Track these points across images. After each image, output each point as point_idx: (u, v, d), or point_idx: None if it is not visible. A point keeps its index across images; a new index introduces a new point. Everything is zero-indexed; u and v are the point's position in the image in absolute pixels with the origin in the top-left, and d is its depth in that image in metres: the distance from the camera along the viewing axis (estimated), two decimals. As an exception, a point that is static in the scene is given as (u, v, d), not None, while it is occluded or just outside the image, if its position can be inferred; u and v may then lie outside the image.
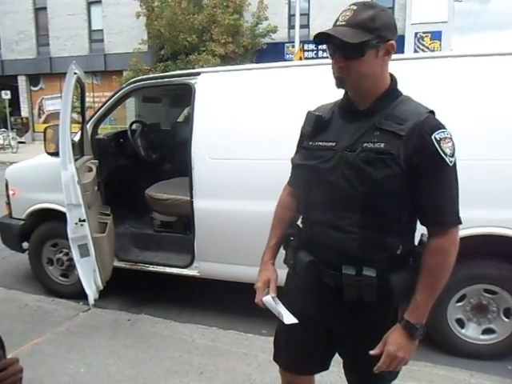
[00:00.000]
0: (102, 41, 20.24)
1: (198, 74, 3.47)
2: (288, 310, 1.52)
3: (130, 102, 13.04)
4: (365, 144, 1.34)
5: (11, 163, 12.07)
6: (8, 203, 4.20)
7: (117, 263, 3.77)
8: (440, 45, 15.49)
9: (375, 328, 1.44)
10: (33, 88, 22.39)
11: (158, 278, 3.95)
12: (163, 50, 16.89)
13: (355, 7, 1.31)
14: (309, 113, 1.53)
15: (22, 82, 22.14)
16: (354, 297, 1.39)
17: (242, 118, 3.21)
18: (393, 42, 1.34)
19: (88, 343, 3.09)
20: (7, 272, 4.72)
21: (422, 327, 1.37)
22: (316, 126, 1.47)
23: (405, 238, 1.41)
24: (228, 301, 3.74)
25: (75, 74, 3.22)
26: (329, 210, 1.41)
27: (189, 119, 3.56)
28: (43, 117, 22.40)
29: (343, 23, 1.31)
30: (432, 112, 1.37)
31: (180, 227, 3.92)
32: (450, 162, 1.30)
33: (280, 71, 3.33)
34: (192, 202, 3.38)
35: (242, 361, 2.86)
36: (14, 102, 20.99)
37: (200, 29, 15.80)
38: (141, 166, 4.70)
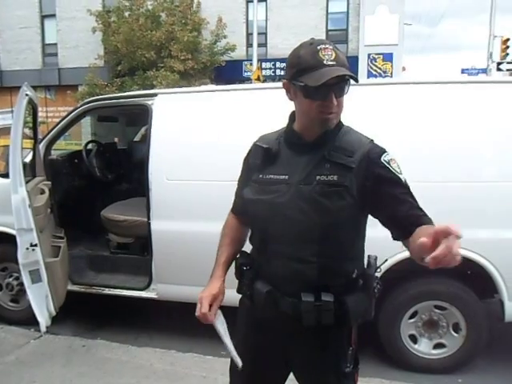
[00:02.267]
0: (56, 55, 19.76)
1: (155, 95, 3.46)
2: (244, 343, 1.56)
3: (86, 119, 12.78)
4: (318, 177, 1.36)
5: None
6: (-46, 226, 4.00)
7: (71, 287, 3.66)
8: (392, 66, 16.17)
9: (331, 350, 1.48)
10: (-19, 102, 21.53)
11: (114, 302, 3.85)
12: (120, 65, 16.69)
13: (331, 46, 1.33)
14: (255, 145, 1.54)
15: (-31, 96, 21.27)
16: (312, 322, 1.41)
17: (199, 139, 3.22)
18: None
19: (40, 372, 2.98)
20: (-49, 298, 4.47)
21: None
22: (265, 158, 1.47)
23: (359, 262, 1.48)
24: (187, 323, 3.66)
25: (27, 95, 3.14)
26: (288, 243, 1.42)
27: (145, 139, 3.54)
28: (-7, 132, 21.53)
29: (333, 63, 1.31)
30: (372, 141, 1.44)
31: (137, 249, 3.86)
32: (403, 178, 1.38)
33: (237, 93, 3.39)
34: (149, 224, 3.35)
35: (201, 384, 2.83)
36: (-39, 117, 20.08)
37: (158, 45, 15.75)
38: (96, 186, 4.62)
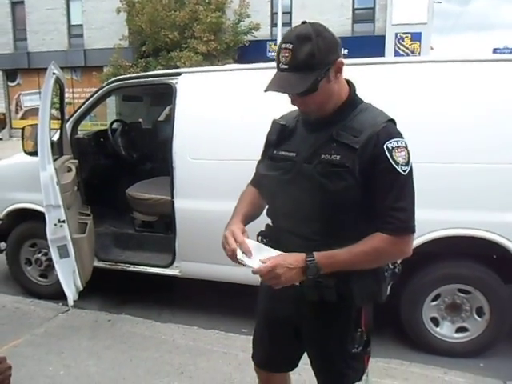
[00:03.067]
0: (81, 36, 19.94)
1: (179, 74, 3.47)
2: (264, 317, 1.58)
3: (111, 99, 12.91)
4: (322, 156, 1.36)
5: (-12, 161, 11.84)
6: (-15, 203, 4.13)
7: (97, 263, 3.75)
8: (420, 46, 15.73)
9: (337, 328, 1.49)
10: (10, 83, 21.93)
11: (138, 278, 3.93)
12: (144, 46, 16.73)
13: (291, 45, 1.28)
14: (274, 121, 1.55)
15: (-2, 77, 21.70)
16: (315, 297, 1.42)
17: (223, 118, 3.22)
18: (339, 59, 1.33)
19: (67, 345, 3.07)
20: (-17, 273, 4.65)
21: (315, 271, 1.32)
22: (280, 135, 1.49)
23: None
24: (209, 300, 3.75)
25: (54, 74, 3.18)
26: (291, 219, 1.45)
27: (170, 119, 3.56)
28: (21, 113, 21.97)
29: (286, 67, 1.29)
30: (392, 120, 1.39)
31: (161, 227, 3.92)
32: (403, 171, 1.31)
33: (261, 72, 3.35)
34: (173, 202, 3.39)
35: (223, 360, 2.88)
36: (-10, 98, 20.57)
37: (182, 26, 15.70)
38: (121, 165, 4.67)
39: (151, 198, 3.84)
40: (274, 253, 1.39)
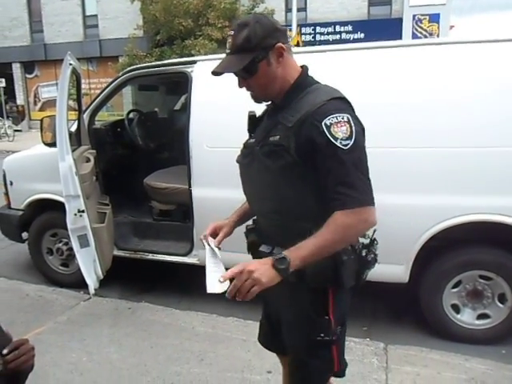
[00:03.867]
0: (96, 26, 20.01)
1: (195, 62, 3.45)
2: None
3: (127, 89, 12.95)
4: (270, 138, 1.43)
5: (8, 152, 12.10)
6: (6, 194, 4.20)
7: (116, 252, 3.80)
8: (438, 27, 15.36)
9: (298, 312, 1.52)
10: (28, 75, 22.18)
11: (157, 267, 3.97)
12: (159, 35, 16.69)
13: (233, 32, 1.41)
14: (248, 113, 1.64)
15: (16, 70, 21.93)
16: None
17: (239, 106, 3.18)
18: (279, 44, 1.40)
19: (89, 332, 3.13)
20: (7, 262, 4.75)
21: (286, 265, 1.29)
22: (250, 124, 1.60)
23: (316, 221, 1.36)
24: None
25: (70, 64, 3.19)
26: (254, 201, 1.59)
27: (186, 107, 3.55)
28: (39, 104, 22.24)
29: (228, 51, 1.43)
30: (338, 98, 1.38)
31: (179, 216, 3.94)
32: (344, 145, 1.30)
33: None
34: (190, 191, 3.39)
35: (242, 347, 2.90)
36: (9, 90, 20.81)
37: (196, 13, 15.59)
38: (139, 154, 4.70)
39: (168, 187, 3.86)
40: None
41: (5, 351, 1.32)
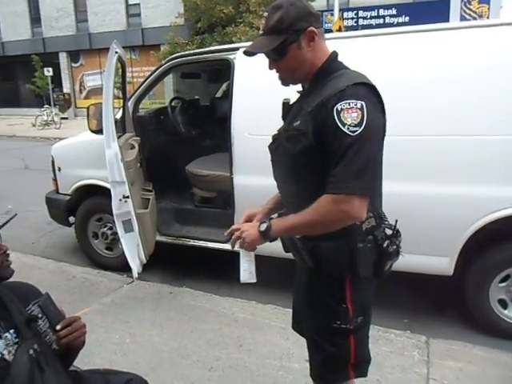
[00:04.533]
0: (139, 15, 20.30)
1: (237, 49, 3.43)
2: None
3: (168, 77, 13.10)
4: (293, 124, 1.46)
5: (55, 139, 12.56)
6: (54, 179, 4.36)
7: (159, 237, 3.88)
8: (488, 9, 14.61)
9: (316, 297, 1.56)
10: (73, 64, 22.85)
11: (198, 252, 4.02)
12: (200, 22, 16.74)
13: (266, 13, 1.44)
14: (283, 100, 1.65)
15: (63, 59, 22.64)
16: (298, 259, 1.58)
17: (280, 94, 3.15)
18: (311, 28, 1.40)
19: (132, 314, 3.22)
20: (55, 245, 4.95)
21: (267, 228, 1.48)
22: (283, 111, 1.61)
23: None
24: (267, 275, 3.77)
25: (116, 53, 3.25)
26: (279, 184, 1.63)
27: (227, 95, 3.55)
28: (84, 92, 22.90)
29: (261, 32, 1.46)
30: (360, 84, 1.35)
31: (220, 203, 3.97)
32: (352, 132, 1.29)
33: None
34: (232, 178, 3.41)
35: (281, 335, 2.91)
36: (56, 79, 21.51)
37: (236, 0, 15.52)
38: (181, 142, 4.75)
39: (210, 174, 3.89)
40: None
41: (58, 327, 1.38)
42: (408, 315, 3.27)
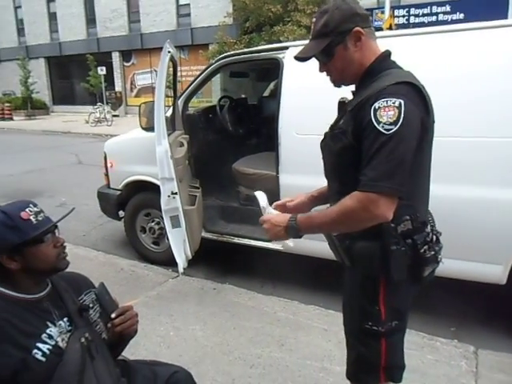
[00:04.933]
0: (188, 15, 20.65)
1: (287, 48, 3.43)
2: None
3: (216, 76, 13.26)
4: (339, 122, 1.48)
5: (107, 136, 13.01)
6: (106, 174, 4.52)
7: (204, 234, 3.93)
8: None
9: (351, 296, 1.59)
10: (125, 63, 23.58)
11: (242, 250, 4.05)
12: (248, 22, 16.83)
13: (314, 19, 1.49)
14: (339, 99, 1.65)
15: (115, 58, 23.41)
16: (337, 257, 1.59)
17: (329, 93, 3.12)
18: (357, 28, 1.41)
19: (177, 308, 3.28)
20: (105, 238, 5.13)
21: (295, 229, 1.45)
22: (339, 110, 1.59)
23: None
24: (310, 276, 3.77)
25: (169, 52, 3.32)
26: (328, 181, 1.63)
27: (275, 94, 3.55)
28: (135, 91, 23.59)
29: (311, 37, 1.51)
30: (403, 83, 1.33)
31: (265, 201, 3.96)
32: (386, 130, 1.27)
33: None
34: (278, 178, 3.41)
35: (322, 336, 2.89)
36: (109, 78, 22.27)
37: (285, -1, 15.50)
38: (228, 140, 4.79)
39: (256, 172, 3.90)
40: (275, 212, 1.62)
41: (113, 315, 1.43)
42: (455, 323, 3.16)
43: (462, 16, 14.92)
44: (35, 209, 1.39)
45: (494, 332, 3.02)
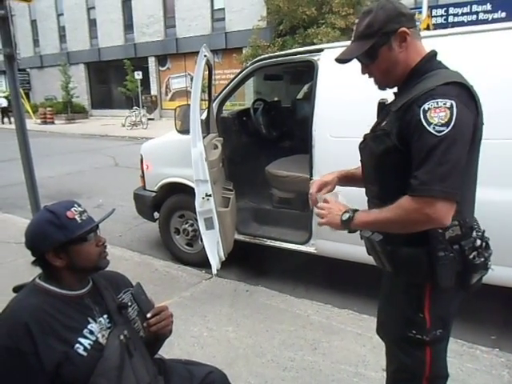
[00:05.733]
0: (223, 19, 20.85)
1: (322, 50, 3.41)
2: None
3: (249, 80, 13.32)
4: (381, 124, 1.44)
5: (142, 138, 13.28)
6: (142, 176, 4.61)
7: (237, 236, 3.95)
8: None
9: (394, 303, 1.55)
10: (161, 68, 24.03)
11: (274, 252, 4.05)
12: (282, 25, 16.85)
13: (357, 20, 1.46)
14: (379, 100, 1.62)
15: (151, 63, 23.90)
16: (378, 263, 1.56)
17: (365, 95, 3.09)
18: (402, 29, 1.38)
19: (210, 309, 3.31)
20: (140, 238, 5.23)
21: (349, 220, 1.43)
22: (378, 110, 1.58)
23: None
24: (343, 280, 3.73)
25: (205, 56, 3.36)
26: (366, 185, 1.61)
27: (309, 96, 3.54)
28: (169, 95, 23.99)
29: (353, 39, 1.47)
30: (452, 83, 1.29)
31: (298, 204, 3.96)
32: (437, 131, 1.23)
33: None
34: (311, 180, 3.38)
35: (356, 341, 2.85)
36: (145, 82, 22.77)
37: (319, 1, 15.43)
38: (262, 143, 4.81)
39: (289, 175, 3.90)
40: (336, 197, 1.61)
41: (149, 315, 1.46)
42: (496, 332, 3.05)
43: (503, 15, 14.44)
44: (80, 208, 1.44)
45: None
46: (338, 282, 3.72)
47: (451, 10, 15.07)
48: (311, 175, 3.38)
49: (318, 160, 3.32)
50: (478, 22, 14.44)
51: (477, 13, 14.96)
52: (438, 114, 1.24)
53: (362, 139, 1.59)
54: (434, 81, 1.32)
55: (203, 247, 3.65)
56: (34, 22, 29.38)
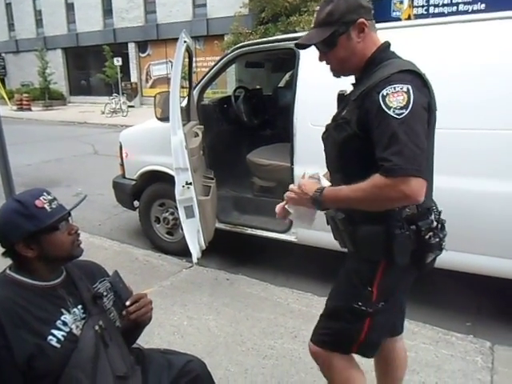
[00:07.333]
0: (204, 6, 20.58)
1: (303, 38, 3.38)
2: None
3: (231, 67, 13.21)
4: (342, 113, 1.49)
5: (122, 126, 13.09)
6: (121, 164, 4.54)
7: (218, 224, 3.94)
8: None
9: (347, 277, 1.61)
10: (141, 54, 23.64)
11: (255, 241, 4.05)
12: (264, 12, 16.69)
13: (318, 7, 1.51)
14: (338, 91, 1.68)
15: (131, 49, 23.48)
16: (340, 242, 1.63)
17: (347, 85, 3.09)
18: (361, 20, 1.44)
19: (190, 298, 3.30)
20: (120, 227, 5.17)
21: (319, 200, 1.46)
22: (338, 102, 1.63)
23: None
24: (323, 268, 3.74)
25: (185, 42, 3.30)
26: (330, 173, 1.65)
27: (291, 85, 3.51)
28: (150, 82, 23.66)
29: (313, 25, 1.52)
30: (406, 71, 1.36)
31: (279, 192, 3.92)
32: (397, 114, 1.28)
33: (392, 32, 3.14)
34: (292, 169, 3.38)
35: (336, 329, 2.88)
36: (125, 68, 22.36)
37: (301, -12, 15.32)
38: (243, 131, 4.78)
39: (271, 163, 3.89)
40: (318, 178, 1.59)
41: (128, 302, 1.44)
42: (471, 318, 3.12)
43: (482, 6, 14.59)
44: (49, 197, 1.39)
45: (511, 327, 2.98)
46: (319, 270, 3.73)
47: (432, 1, 15.13)
48: (292, 163, 3.37)
49: (299, 148, 3.31)
50: (458, 12, 14.56)
51: (457, 4, 15.07)
52: (396, 98, 1.29)
53: (324, 130, 1.63)
54: (389, 69, 1.38)
55: (184, 236, 3.63)
56: (8, 6, 28.53)
